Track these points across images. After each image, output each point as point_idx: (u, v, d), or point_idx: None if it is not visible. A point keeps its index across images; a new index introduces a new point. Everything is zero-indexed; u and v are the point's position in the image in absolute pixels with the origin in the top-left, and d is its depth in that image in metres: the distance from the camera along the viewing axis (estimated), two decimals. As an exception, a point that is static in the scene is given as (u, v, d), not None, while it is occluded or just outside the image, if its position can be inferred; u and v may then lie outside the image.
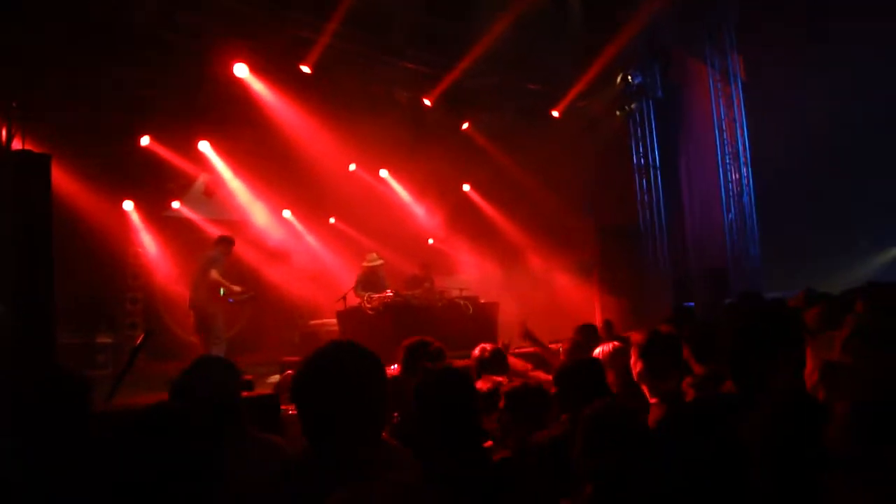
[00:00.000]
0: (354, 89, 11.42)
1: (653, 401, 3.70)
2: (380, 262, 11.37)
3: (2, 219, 6.80)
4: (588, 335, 6.45)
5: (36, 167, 7.38)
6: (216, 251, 10.33)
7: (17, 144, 8.09)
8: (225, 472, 2.32)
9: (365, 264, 11.34)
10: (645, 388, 3.77)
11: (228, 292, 10.09)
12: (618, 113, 13.91)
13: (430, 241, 15.60)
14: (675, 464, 2.47)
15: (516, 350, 8.87)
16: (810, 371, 2.37)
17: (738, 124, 13.08)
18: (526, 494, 3.01)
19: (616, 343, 4.65)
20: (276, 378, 8.03)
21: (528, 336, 7.29)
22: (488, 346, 5.27)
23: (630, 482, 2.48)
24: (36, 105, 8.61)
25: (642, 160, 13.99)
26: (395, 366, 5.46)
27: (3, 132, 7.34)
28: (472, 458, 2.91)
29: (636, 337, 3.96)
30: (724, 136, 13.06)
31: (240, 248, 11.98)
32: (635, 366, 3.79)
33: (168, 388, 3.16)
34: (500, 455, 3.23)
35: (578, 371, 3.84)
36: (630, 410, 2.77)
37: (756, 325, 2.97)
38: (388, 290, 10.79)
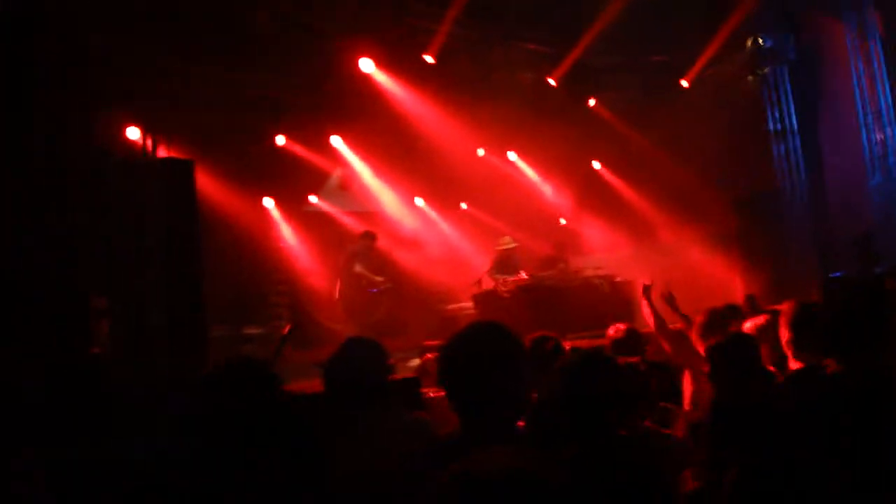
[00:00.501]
0: (477, 75, 11.49)
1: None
2: (513, 244, 11.44)
3: (153, 223, 7.21)
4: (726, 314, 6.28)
5: (181, 173, 7.80)
6: (360, 245, 11.32)
7: (161, 152, 8.54)
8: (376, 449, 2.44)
9: (499, 248, 11.42)
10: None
11: (371, 283, 10.76)
12: (750, 78, 13.41)
13: (562, 220, 15.51)
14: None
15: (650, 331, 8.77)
16: None
17: (878, 83, 12.39)
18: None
19: (765, 316, 4.54)
20: (416, 362, 8.21)
21: (670, 302, 7.13)
22: (622, 326, 5.23)
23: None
24: (176, 113, 9.06)
25: (779, 125, 13.41)
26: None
27: (149, 141, 7.76)
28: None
29: (783, 307, 3.88)
30: (865, 96, 12.39)
31: (380, 239, 12.41)
32: (783, 336, 3.72)
33: (319, 370, 3.31)
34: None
35: (733, 346, 3.76)
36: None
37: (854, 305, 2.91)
38: (522, 272, 10.84)
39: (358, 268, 11.26)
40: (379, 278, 11.39)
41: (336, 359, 3.29)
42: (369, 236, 11.71)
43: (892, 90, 12.34)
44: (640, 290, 6.66)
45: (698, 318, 5.63)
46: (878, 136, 12.37)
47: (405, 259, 13.81)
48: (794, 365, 3.69)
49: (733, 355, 3.66)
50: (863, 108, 12.36)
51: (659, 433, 3.51)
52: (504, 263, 11.21)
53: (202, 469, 2.45)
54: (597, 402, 2.65)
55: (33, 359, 5.76)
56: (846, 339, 2.91)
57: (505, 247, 11.40)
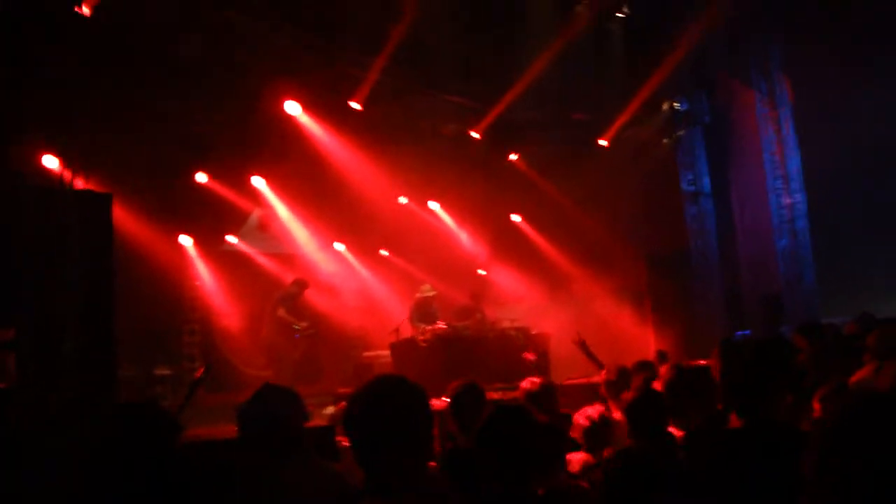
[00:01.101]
0: (403, 124, 11.63)
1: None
2: (433, 293, 11.51)
3: (66, 255, 7.02)
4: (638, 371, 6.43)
5: (98, 205, 7.62)
6: (287, 291, 11.40)
7: (79, 183, 8.34)
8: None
9: (418, 295, 11.47)
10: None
11: (293, 328, 10.96)
12: (665, 140, 13.87)
13: (481, 271, 15.65)
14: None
15: (567, 381, 8.90)
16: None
17: (787, 148, 12.96)
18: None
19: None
20: (331, 409, 8.13)
21: (583, 347, 7.28)
22: (537, 380, 5.28)
23: None
24: (95, 143, 8.89)
25: (691, 186, 13.89)
26: (445, 398, 5.51)
27: (66, 171, 7.58)
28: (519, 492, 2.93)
29: (663, 372, 4.00)
30: (775, 160, 12.94)
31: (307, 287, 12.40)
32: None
33: (236, 415, 3.27)
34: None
35: (645, 401, 3.85)
36: None
37: (754, 362, 3.07)
38: (440, 322, 10.89)
39: (281, 311, 11.45)
40: (304, 323, 11.61)
41: (251, 405, 3.25)
42: (299, 284, 12.00)
43: (800, 156, 12.90)
44: (567, 343, 6.82)
45: (607, 375, 5.76)
46: (787, 201, 12.92)
47: (322, 304, 13.71)
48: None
49: (646, 412, 3.75)
50: (772, 172, 12.90)
51: (577, 487, 3.56)
52: (423, 311, 11.25)
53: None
54: (518, 458, 2.70)
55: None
56: (745, 396, 3.03)
57: (424, 294, 11.46)
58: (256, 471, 3.11)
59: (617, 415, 5.37)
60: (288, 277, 12.76)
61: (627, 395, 4.10)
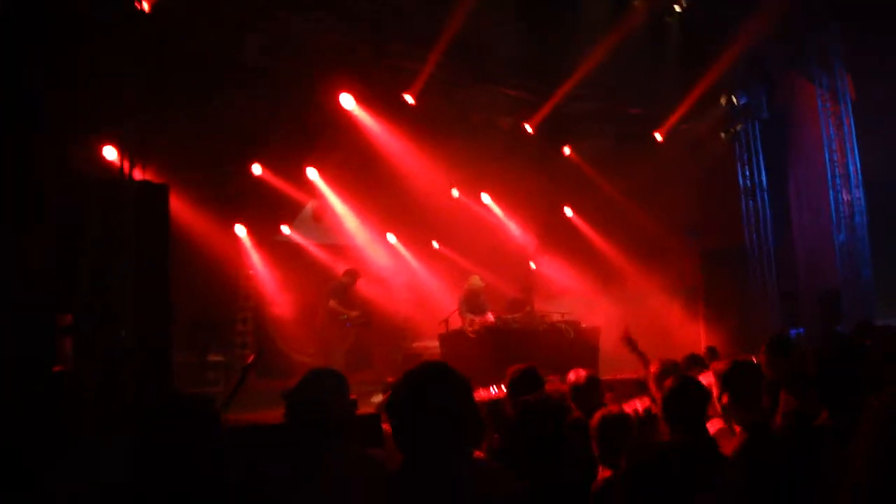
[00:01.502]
0: (456, 117, 11.66)
1: (737, 429, 3.67)
2: (481, 284, 11.53)
3: (125, 244, 7.20)
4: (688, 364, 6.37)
5: (155, 196, 7.81)
6: (340, 281, 11.85)
7: (137, 174, 8.54)
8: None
9: (467, 286, 11.50)
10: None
11: (346, 318, 11.09)
12: (723, 135, 13.70)
13: (532, 264, 15.63)
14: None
15: (615, 377, 8.86)
16: None
17: (848, 144, 12.70)
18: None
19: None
20: (378, 398, 8.22)
21: (630, 343, 7.23)
22: (583, 373, 5.26)
23: None
24: (154, 136, 9.08)
25: (749, 182, 13.70)
26: (495, 389, 5.57)
27: (125, 163, 7.76)
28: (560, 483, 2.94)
29: (717, 366, 3.92)
30: (834, 157, 12.69)
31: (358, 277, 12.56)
32: (721, 397, 3.77)
33: (283, 400, 3.32)
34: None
35: (686, 391, 3.75)
36: None
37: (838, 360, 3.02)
38: (490, 314, 10.91)
39: (332, 302, 11.65)
40: (354, 312, 11.79)
41: (298, 390, 3.30)
42: (351, 274, 12.12)
43: (860, 153, 12.64)
44: (616, 339, 6.76)
45: (652, 368, 5.74)
46: (845, 197, 12.66)
47: (373, 294, 13.83)
48: (714, 423, 3.75)
49: (684, 398, 3.68)
50: (831, 168, 12.65)
51: None
52: (472, 303, 11.28)
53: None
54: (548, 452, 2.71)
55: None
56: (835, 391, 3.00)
57: (473, 286, 11.48)
58: (299, 455, 3.15)
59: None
60: (340, 268, 12.88)
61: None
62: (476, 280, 11.58)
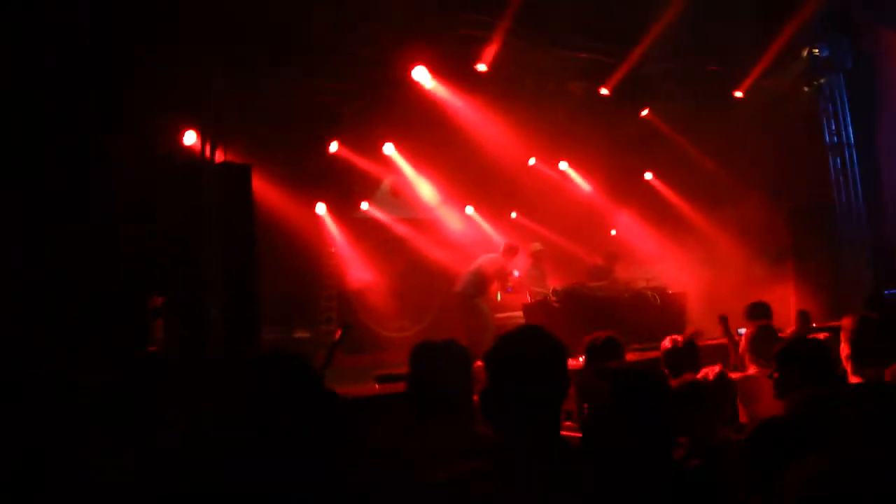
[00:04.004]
0: (530, 84, 11.48)
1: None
2: (542, 248, 11.85)
3: (211, 226, 7.34)
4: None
5: (238, 176, 7.94)
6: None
7: (218, 157, 8.68)
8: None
9: (531, 253, 11.55)
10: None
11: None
12: (806, 89, 13.24)
13: (613, 231, 15.43)
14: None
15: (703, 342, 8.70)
16: None
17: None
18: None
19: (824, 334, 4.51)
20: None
21: (724, 323, 7.13)
22: (679, 338, 5.15)
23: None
24: (233, 119, 9.21)
25: (835, 137, 13.22)
26: (579, 358, 5.50)
27: (207, 146, 7.89)
28: (658, 464, 2.84)
29: (845, 322, 3.83)
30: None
31: (428, 247, 12.50)
32: (843, 350, 3.68)
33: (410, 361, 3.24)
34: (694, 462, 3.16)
35: (802, 351, 3.64)
36: None
37: None
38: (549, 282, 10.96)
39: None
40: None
41: (423, 362, 3.23)
42: (512, 250, 11.50)
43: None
44: (701, 303, 6.72)
45: (749, 330, 5.61)
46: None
47: (456, 268, 13.86)
48: (853, 380, 3.65)
49: (801, 360, 3.55)
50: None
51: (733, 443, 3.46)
52: (536, 268, 11.35)
53: (253, 457, 2.52)
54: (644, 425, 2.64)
55: (92, 357, 5.91)
56: None
57: (534, 250, 11.59)
58: (413, 428, 3.12)
59: (752, 370, 5.22)
60: (420, 242, 12.92)
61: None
62: (536, 245, 11.57)
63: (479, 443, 3.03)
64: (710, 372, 4.34)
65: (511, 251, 11.32)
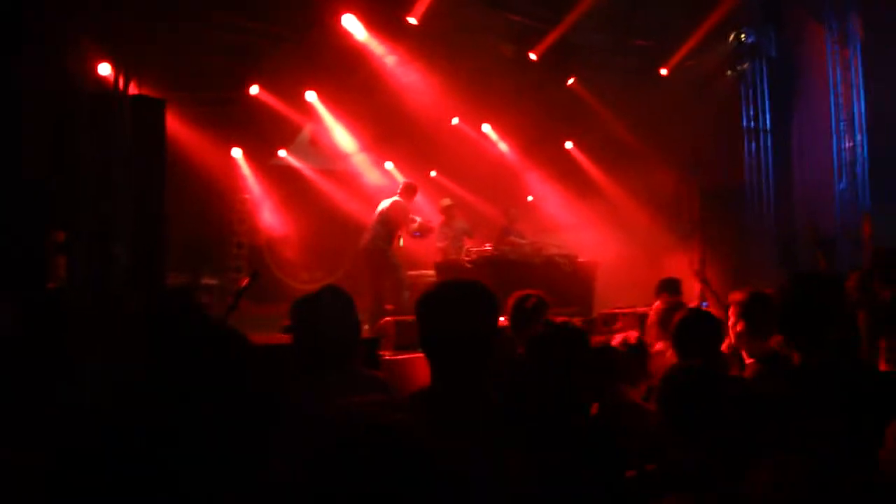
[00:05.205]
0: (460, 42, 11.38)
1: (749, 361, 3.70)
2: (450, 203, 11.78)
3: (119, 160, 7.08)
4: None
5: (152, 111, 7.64)
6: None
7: (132, 90, 8.36)
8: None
9: (441, 209, 11.59)
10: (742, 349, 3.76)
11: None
12: (729, 72, 13.50)
13: (530, 197, 15.51)
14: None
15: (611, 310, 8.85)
16: None
17: (854, 90, 12.50)
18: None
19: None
20: (365, 327, 8.20)
21: (703, 279, 7.27)
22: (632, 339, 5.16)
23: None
24: (151, 52, 8.88)
25: (752, 122, 13.55)
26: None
27: (121, 78, 7.59)
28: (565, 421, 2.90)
29: (735, 296, 3.93)
30: (840, 102, 12.50)
31: (345, 199, 12.31)
32: (735, 325, 3.77)
33: (291, 314, 3.23)
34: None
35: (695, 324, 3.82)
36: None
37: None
38: (487, 245, 10.86)
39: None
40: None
41: (306, 309, 3.21)
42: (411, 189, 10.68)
43: (866, 99, 12.44)
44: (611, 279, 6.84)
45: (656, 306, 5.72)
46: (848, 144, 12.51)
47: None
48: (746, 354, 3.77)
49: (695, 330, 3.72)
50: (836, 113, 12.48)
51: (636, 406, 3.56)
52: (448, 225, 11.40)
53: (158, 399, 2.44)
54: (569, 374, 2.68)
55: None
56: (811, 330, 2.97)
57: (445, 205, 11.69)
58: (305, 376, 3.09)
59: (659, 345, 5.31)
60: (337, 194, 12.76)
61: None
62: (446, 201, 11.58)
63: (376, 383, 3.12)
64: (631, 336, 4.42)
65: (409, 190, 10.52)
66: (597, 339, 4.40)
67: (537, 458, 2.28)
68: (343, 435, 1.71)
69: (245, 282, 6.93)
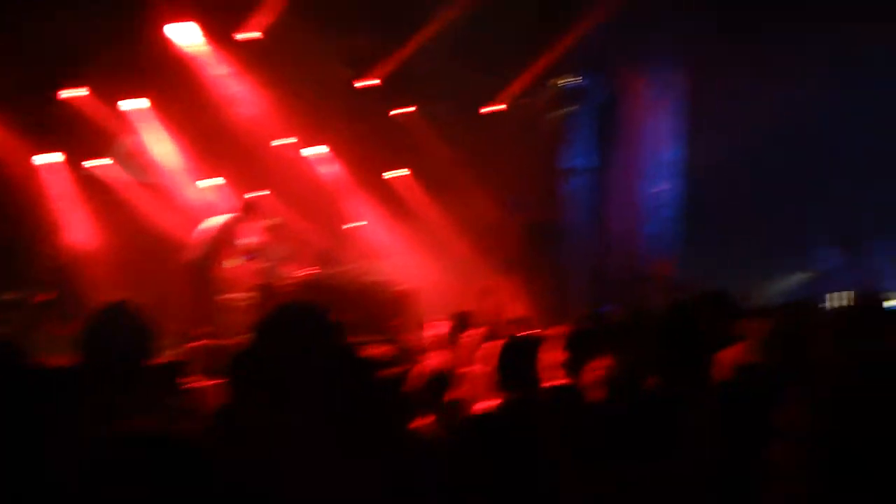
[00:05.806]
0: (300, 60, 11.29)
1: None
2: (280, 222, 11.46)
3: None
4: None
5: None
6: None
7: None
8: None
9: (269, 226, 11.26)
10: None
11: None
12: (554, 114, 14.05)
13: (362, 223, 15.42)
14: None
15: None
16: None
17: (668, 136, 13.28)
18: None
19: None
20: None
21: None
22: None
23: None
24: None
25: (573, 163, 14.16)
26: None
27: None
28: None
29: (563, 329, 4.11)
30: (654, 148, 13.27)
31: (162, 215, 11.86)
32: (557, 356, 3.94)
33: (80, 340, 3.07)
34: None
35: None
36: None
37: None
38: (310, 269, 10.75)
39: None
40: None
41: (95, 328, 3.05)
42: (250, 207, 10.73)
43: (687, 145, 13.22)
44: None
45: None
46: (658, 189, 13.28)
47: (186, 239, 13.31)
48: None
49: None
50: (650, 159, 13.24)
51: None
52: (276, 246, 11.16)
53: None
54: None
55: None
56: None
57: (273, 224, 11.27)
58: (98, 400, 2.93)
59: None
60: (155, 209, 12.26)
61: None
62: (275, 220, 11.36)
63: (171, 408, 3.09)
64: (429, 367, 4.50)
65: (248, 209, 10.34)
66: (401, 370, 4.42)
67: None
68: (116, 445, 1.64)
69: (43, 299, 6.54)
